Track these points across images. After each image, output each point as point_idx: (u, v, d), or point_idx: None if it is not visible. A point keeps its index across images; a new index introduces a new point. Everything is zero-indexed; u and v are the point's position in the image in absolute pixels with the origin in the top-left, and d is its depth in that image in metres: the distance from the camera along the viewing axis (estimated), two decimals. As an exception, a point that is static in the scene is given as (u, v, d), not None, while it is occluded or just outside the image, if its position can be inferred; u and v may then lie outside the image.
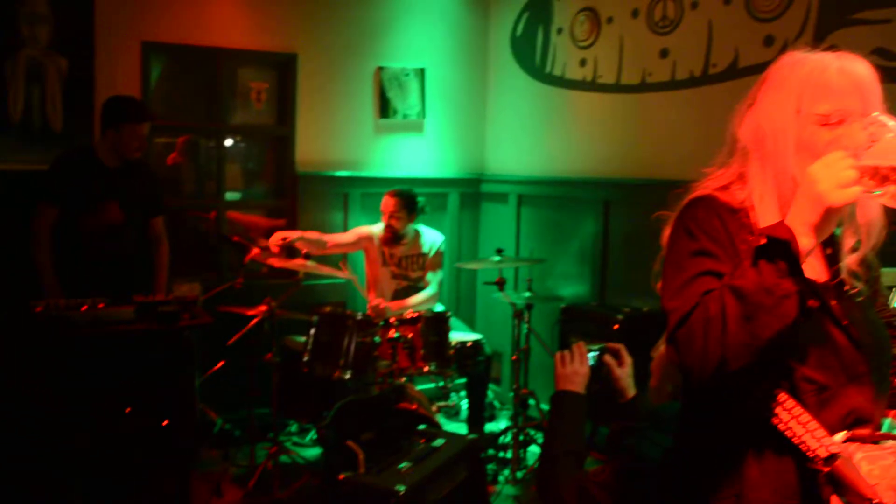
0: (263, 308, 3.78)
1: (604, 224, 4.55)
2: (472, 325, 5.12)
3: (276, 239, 3.95)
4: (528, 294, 4.20)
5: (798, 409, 1.37)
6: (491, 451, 4.14)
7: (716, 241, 1.41)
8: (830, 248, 1.50)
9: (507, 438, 4.17)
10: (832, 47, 1.39)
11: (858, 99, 1.37)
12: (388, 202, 4.34)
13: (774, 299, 1.24)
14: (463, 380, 4.54)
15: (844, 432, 1.38)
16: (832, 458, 1.31)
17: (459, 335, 4.21)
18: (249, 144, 4.99)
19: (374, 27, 5.02)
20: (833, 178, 1.24)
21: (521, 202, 5.17)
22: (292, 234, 4.02)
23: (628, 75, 4.45)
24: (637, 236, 4.24)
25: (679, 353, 1.33)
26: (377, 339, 3.82)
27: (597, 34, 4.64)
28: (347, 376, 3.72)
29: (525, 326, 4.16)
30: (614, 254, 4.51)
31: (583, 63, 4.73)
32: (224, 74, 4.63)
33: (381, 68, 5.03)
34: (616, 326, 3.82)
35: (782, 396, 1.38)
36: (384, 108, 5.07)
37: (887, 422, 1.56)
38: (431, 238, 4.51)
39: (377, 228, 4.43)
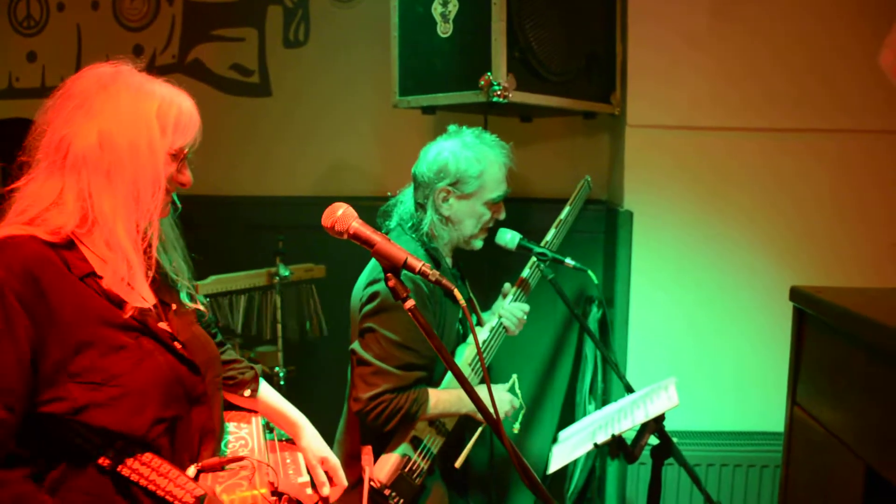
0: None
1: None
2: None
3: None
4: None
5: (157, 461, 1.33)
6: None
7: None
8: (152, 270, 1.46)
9: None
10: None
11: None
12: None
13: None
14: None
15: (194, 467, 1.40)
16: (200, 500, 1.33)
17: None
18: None
19: None
20: None
21: None
22: None
23: (-5, 79, 4.05)
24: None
25: None
26: None
27: (-43, 31, 4.10)
28: None
29: None
30: None
31: (-58, 63, 4.15)
32: None
33: None
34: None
35: (140, 454, 1.33)
36: None
37: (228, 426, 1.66)
38: None
39: None
